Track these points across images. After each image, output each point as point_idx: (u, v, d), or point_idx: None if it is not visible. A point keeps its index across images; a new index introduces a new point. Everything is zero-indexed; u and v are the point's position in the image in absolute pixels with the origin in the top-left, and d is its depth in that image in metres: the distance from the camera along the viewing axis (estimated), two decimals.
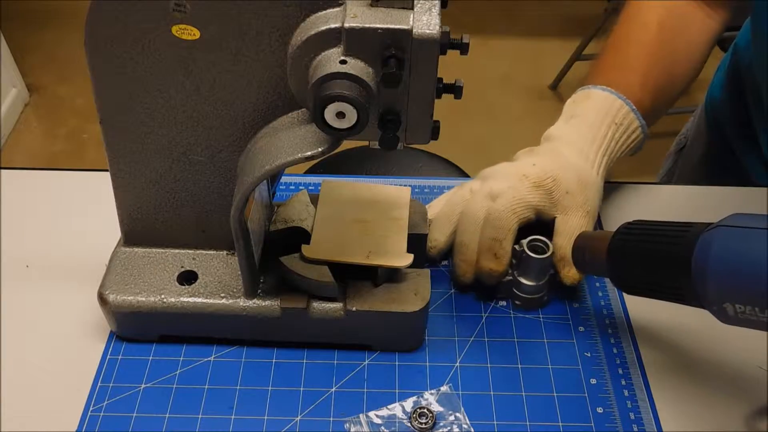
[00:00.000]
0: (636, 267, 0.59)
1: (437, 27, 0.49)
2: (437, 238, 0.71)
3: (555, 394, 0.63)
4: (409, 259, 0.62)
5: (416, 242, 0.66)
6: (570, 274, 0.67)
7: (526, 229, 0.68)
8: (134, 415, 0.61)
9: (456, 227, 0.69)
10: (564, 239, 0.67)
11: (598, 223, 0.78)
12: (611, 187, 0.82)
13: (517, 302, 0.70)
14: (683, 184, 0.87)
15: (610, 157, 0.71)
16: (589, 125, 0.71)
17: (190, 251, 0.67)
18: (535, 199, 0.67)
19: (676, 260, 0.54)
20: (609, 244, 0.60)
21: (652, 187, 0.85)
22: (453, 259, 0.69)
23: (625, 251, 0.59)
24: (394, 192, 0.69)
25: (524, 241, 0.66)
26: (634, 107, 0.72)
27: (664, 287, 0.56)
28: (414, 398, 0.62)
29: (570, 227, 0.67)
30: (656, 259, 0.56)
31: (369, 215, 0.66)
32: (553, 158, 0.69)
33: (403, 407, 0.61)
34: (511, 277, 0.69)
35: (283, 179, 0.82)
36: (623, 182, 0.83)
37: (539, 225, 0.69)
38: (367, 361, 0.65)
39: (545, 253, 0.66)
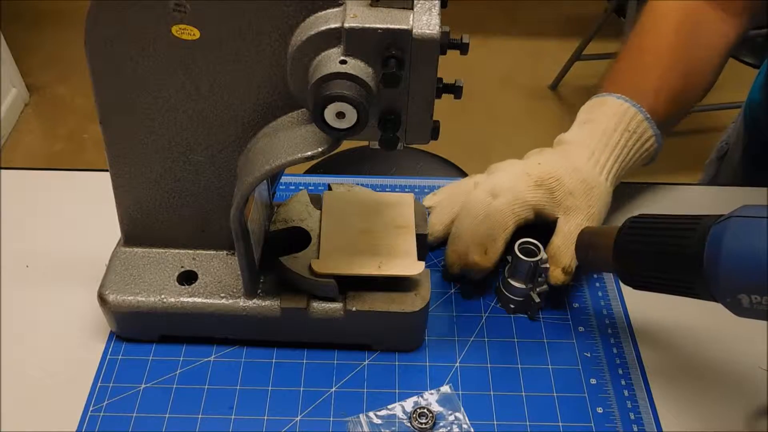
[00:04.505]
0: (645, 263, 0.58)
1: (437, 27, 0.49)
2: (434, 226, 0.73)
3: (555, 394, 0.63)
4: (421, 266, 0.62)
5: (418, 242, 0.66)
6: (555, 274, 0.67)
7: (526, 227, 0.68)
8: (134, 415, 0.61)
9: (455, 218, 0.71)
10: (560, 239, 0.67)
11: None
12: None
13: (499, 303, 0.70)
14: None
15: (622, 165, 0.71)
16: (602, 131, 0.71)
17: (190, 251, 0.67)
18: (534, 198, 0.68)
19: (686, 254, 0.53)
20: (615, 240, 0.59)
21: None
22: (446, 248, 0.70)
23: (632, 247, 0.58)
24: (396, 199, 0.69)
25: (516, 243, 0.67)
26: (648, 115, 0.71)
27: (675, 282, 0.56)
28: (414, 398, 0.62)
29: (570, 228, 0.67)
30: (666, 253, 0.55)
31: (375, 225, 0.66)
32: (561, 159, 0.70)
33: (403, 407, 0.61)
34: (502, 276, 0.69)
35: (283, 179, 0.82)
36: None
37: (542, 225, 0.69)
38: (367, 361, 0.65)
39: (536, 256, 0.66)
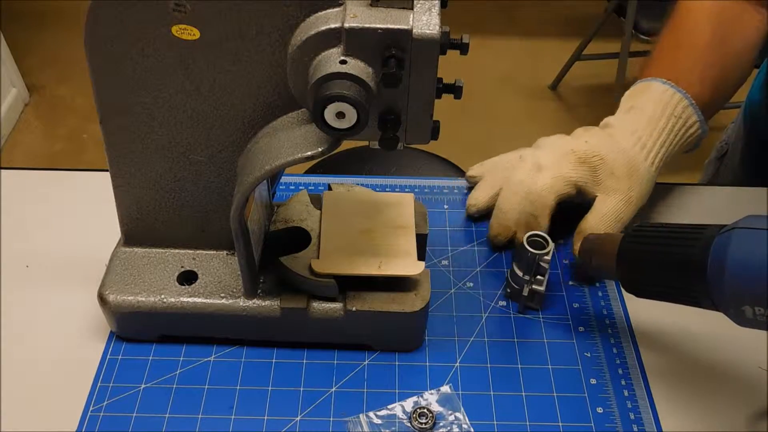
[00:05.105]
0: (648, 271, 0.58)
1: (437, 27, 0.49)
2: (478, 198, 0.75)
3: (555, 394, 0.63)
4: (421, 266, 0.62)
5: (417, 242, 0.66)
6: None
7: (566, 205, 0.70)
8: (134, 415, 0.61)
9: (498, 191, 0.73)
10: (594, 217, 0.69)
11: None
12: None
13: (508, 290, 0.71)
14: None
15: (668, 150, 0.72)
16: (649, 116, 0.72)
17: (190, 251, 0.67)
18: (576, 175, 0.69)
19: (690, 263, 0.53)
20: (619, 248, 0.60)
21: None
22: (491, 220, 0.73)
23: (636, 255, 0.59)
24: (396, 199, 0.69)
25: (526, 235, 0.67)
26: (692, 101, 0.72)
27: (678, 291, 0.56)
28: (414, 398, 0.62)
29: (606, 208, 0.69)
30: (669, 262, 0.55)
31: (375, 225, 0.66)
32: (607, 140, 0.71)
33: (403, 407, 0.61)
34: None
35: (283, 179, 0.82)
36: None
37: (578, 206, 0.70)
38: (367, 361, 0.65)
39: (543, 248, 0.66)
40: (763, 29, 0.80)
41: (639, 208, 0.71)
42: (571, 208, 0.72)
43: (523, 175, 0.70)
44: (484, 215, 0.76)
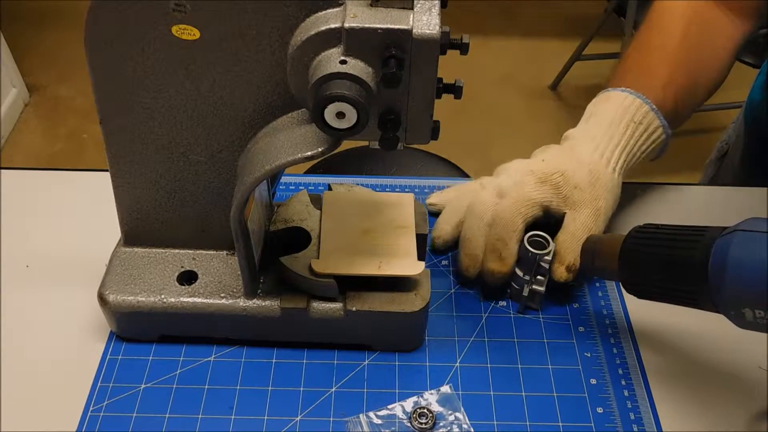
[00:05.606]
0: (649, 272, 0.58)
1: (437, 27, 0.49)
2: (443, 229, 0.73)
3: (555, 394, 0.63)
4: (421, 266, 0.62)
5: (418, 242, 0.66)
6: (559, 271, 0.67)
7: (538, 224, 0.68)
8: (134, 415, 0.61)
9: (462, 220, 0.71)
10: (567, 236, 0.67)
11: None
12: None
13: (508, 290, 0.70)
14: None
15: (630, 155, 0.71)
16: (608, 123, 0.71)
17: (190, 251, 0.67)
18: (540, 195, 0.68)
19: (691, 265, 0.53)
20: (621, 249, 0.60)
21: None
22: (458, 253, 0.70)
23: (637, 256, 0.59)
24: (396, 199, 0.69)
25: (527, 235, 0.67)
26: (654, 107, 0.71)
27: (679, 293, 0.56)
28: (414, 398, 0.62)
29: (578, 224, 0.67)
30: (671, 264, 0.55)
31: (375, 225, 0.66)
32: (565, 154, 0.70)
33: (403, 407, 0.61)
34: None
35: (283, 179, 0.82)
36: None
37: (553, 223, 0.69)
38: (367, 361, 0.65)
39: (544, 248, 0.66)
40: (737, 39, 0.79)
41: (608, 217, 0.70)
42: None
43: (486, 202, 0.68)
44: (450, 246, 0.73)
